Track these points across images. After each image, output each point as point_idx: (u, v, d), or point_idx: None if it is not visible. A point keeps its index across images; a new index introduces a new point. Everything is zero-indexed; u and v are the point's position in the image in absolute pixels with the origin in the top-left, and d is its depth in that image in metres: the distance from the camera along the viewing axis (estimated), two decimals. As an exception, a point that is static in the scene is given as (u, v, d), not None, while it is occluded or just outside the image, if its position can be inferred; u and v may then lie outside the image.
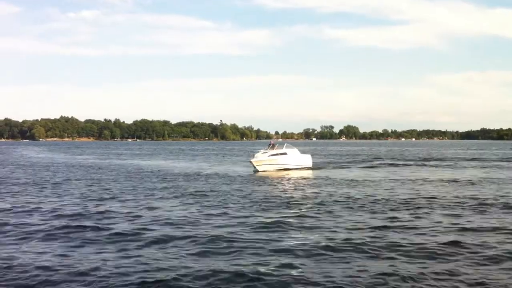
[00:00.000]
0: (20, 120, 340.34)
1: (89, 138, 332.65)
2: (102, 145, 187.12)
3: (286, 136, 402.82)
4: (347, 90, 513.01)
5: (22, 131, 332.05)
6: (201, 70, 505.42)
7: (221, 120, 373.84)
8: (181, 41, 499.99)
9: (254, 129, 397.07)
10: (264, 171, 42.35)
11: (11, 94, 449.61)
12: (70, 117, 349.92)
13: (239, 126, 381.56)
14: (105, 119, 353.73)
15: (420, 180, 33.97)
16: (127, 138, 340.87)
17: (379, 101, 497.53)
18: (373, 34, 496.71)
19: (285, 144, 46.87)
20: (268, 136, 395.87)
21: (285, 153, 44.69)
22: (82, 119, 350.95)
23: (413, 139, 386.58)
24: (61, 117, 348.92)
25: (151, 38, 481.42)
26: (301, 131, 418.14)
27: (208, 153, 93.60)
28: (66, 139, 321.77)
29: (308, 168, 45.09)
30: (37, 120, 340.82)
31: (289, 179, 36.07)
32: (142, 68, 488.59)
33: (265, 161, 44.07)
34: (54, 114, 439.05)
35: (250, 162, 44.73)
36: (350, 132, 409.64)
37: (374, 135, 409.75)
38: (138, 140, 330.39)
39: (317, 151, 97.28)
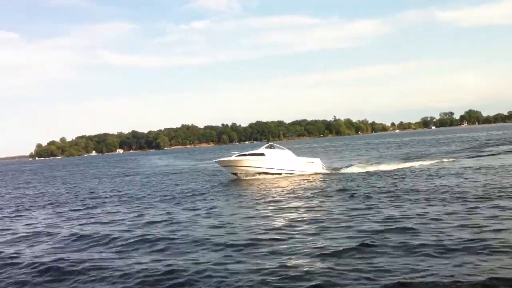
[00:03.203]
0: (146, 131, 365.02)
1: (209, 144, 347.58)
2: (223, 149, 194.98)
3: (403, 126, 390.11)
4: (465, 73, 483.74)
5: (148, 141, 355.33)
6: (312, 67, 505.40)
7: (334, 116, 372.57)
8: (290, 41, 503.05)
9: (369, 122, 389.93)
10: (236, 173, 37.01)
11: (136, 108, 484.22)
12: (190, 124, 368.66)
13: (354, 120, 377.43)
14: (222, 124, 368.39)
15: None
16: (244, 140, 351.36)
17: (502, 81, 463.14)
18: (487, 11, 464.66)
19: (269, 143, 38.77)
20: (384, 128, 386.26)
21: (261, 154, 36.70)
22: (201, 125, 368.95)
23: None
24: (182, 125, 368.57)
25: (260, 41, 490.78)
26: (419, 120, 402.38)
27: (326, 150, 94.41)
28: (188, 146, 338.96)
29: (307, 174, 36.19)
30: (161, 130, 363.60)
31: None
32: (254, 71, 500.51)
33: (231, 161, 37.57)
34: (176, 123, 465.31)
35: (216, 162, 39.71)
36: (472, 117, 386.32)
37: (499, 118, 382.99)
38: (254, 142, 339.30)
39: (404, 142, 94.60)
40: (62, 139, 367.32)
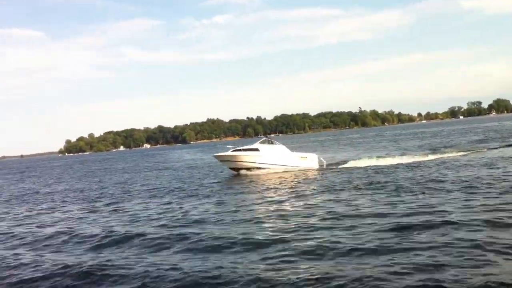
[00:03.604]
0: (172, 126, 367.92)
1: (235, 137, 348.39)
2: (248, 142, 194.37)
3: (430, 117, 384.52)
4: (493, 62, 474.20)
5: (174, 136, 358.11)
6: (335, 59, 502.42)
7: (360, 107, 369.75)
8: (311, 33, 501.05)
9: (395, 113, 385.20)
10: (233, 168, 37.57)
11: (162, 103, 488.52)
12: (215, 119, 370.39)
13: (379, 112, 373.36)
14: (247, 118, 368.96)
15: None
16: (269, 133, 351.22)
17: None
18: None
19: (264, 138, 39.25)
20: (410, 119, 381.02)
21: (256, 149, 37.11)
22: (226, 119, 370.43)
23: None
24: (208, 119, 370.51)
25: (281, 34, 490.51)
26: (446, 110, 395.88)
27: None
28: (214, 140, 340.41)
29: (301, 169, 36.38)
30: (186, 124, 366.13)
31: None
32: (276, 64, 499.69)
33: (227, 156, 37.99)
34: (201, 117, 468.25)
35: (214, 156, 40.29)
36: (500, 106, 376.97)
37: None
38: (280, 134, 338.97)
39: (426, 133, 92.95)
40: (91, 135, 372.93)
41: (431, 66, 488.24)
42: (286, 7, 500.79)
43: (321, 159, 38.26)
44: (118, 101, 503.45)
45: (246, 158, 36.84)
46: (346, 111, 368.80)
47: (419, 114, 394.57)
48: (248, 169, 36.68)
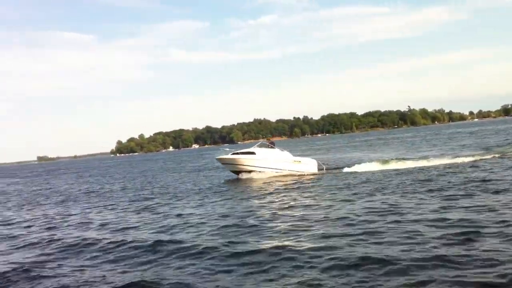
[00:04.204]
0: (219, 126, 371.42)
1: (281, 137, 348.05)
2: (294, 142, 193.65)
3: (482, 115, 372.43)
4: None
5: (221, 136, 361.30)
6: (382, 57, 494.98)
7: (409, 106, 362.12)
8: (357, 31, 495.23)
9: (446, 111, 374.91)
10: (234, 171, 38.64)
11: (209, 104, 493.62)
12: (262, 119, 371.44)
13: (429, 110, 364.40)
14: (294, 117, 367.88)
15: None
16: (316, 133, 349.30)
17: None
18: None
19: (260, 142, 39.66)
20: (461, 117, 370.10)
21: (252, 153, 37.84)
22: (273, 119, 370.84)
23: None
24: (254, 119, 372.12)
25: (328, 33, 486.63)
26: (499, 108, 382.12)
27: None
28: (261, 140, 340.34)
29: (297, 173, 36.79)
30: (233, 124, 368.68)
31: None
32: (323, 63, 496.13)
33: (227, 160, 39.01)
34: (248, 117, 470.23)
35: (216, 159, 41.04)
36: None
37: None
38: (327, 134, 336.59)
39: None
40: (141, 136, 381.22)
41: (484, 62, 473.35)
42: (332, 6, 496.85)
43: (320, 163, 39.04)
44: (167, 102, 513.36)
45: (244, 161, 37.85)
46: (395, 110, 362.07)
47: (471, 113, 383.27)
48: (249, 172, 37.54)
